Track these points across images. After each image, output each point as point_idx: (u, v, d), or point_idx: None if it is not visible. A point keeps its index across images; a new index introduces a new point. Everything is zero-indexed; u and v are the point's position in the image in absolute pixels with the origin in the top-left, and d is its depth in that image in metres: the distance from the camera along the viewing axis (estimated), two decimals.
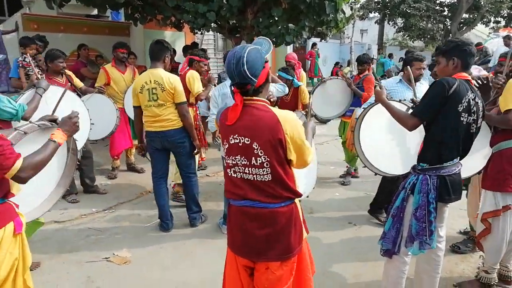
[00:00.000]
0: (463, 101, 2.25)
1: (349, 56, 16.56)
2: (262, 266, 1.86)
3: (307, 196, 2.75)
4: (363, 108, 3.41)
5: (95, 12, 9.42)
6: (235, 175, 1.82)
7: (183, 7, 5.82)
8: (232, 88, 1.77)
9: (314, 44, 14.44)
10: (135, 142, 5.58)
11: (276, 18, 6.24)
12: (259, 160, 1.74)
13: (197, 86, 4.41)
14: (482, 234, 2.81)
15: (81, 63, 6.93)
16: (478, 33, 20.19)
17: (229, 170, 1.85)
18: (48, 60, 4.32)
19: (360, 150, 3.13)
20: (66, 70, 4.53)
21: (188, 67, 4.62)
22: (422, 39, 20.00)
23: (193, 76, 4.40)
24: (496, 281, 2.86)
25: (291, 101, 5.08)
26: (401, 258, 2.47)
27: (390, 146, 3.07)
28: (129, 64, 5.67)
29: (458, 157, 2.39)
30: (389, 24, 20.56)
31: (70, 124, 2.09)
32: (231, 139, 1.79)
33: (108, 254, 3.40)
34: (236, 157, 1.79)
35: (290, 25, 6.49)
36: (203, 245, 3.62)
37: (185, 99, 3.67)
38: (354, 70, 11.47)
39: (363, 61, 5.22)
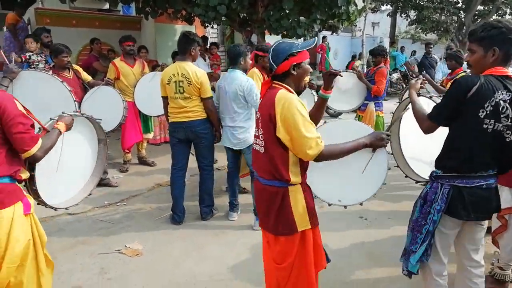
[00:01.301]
0: (486, 106, 1.90)
1: (361, 49, 16.37)
2: (269, 236, 2.11)
3: (345, 207, 2.38)
4: (397, 102, 3.15)
5: (107, 6, 9.48)
6: (254, 147, 2.09)
7: (194, 1, 5.80)
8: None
9: (324, 38, 14.30)
10: (146, 135, 5.64)
11: (287, 11, 6.18)
12: (259, 131, 2.02)
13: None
14: (498, 231, 2.74)
15: (93, 57, 6.99)
16: None
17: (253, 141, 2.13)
18: (53, 56, 4.35)
19: (398, 150, 2.80)
20: (73, 65, 4.54)
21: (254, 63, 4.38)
22: (436, 31, 19.64)
23: (253, 77, 4.03)
24: (511, 278, 2.82)
25: None
26: (429, 278, 2.17)
27: (429, 147, 2.67)
28: (139, 57, 5.69)
29: (489, 170, 2.03)
30: (402, 16, 20.23)
31: (69, 120, 2.34)
32: (256, 114, 2.09)
33: (120, 246, 3.44)
34: (255, 129, 2.08)
35: (301, 18, 6.42)
36: (214, 238, 3.64)
37: (211, 94, 3.75)
38: (365, 63, 11.33)
39: (377, 53, 5.16)
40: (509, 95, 1.92)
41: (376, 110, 5.16)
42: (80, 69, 4.74)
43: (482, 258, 2.22)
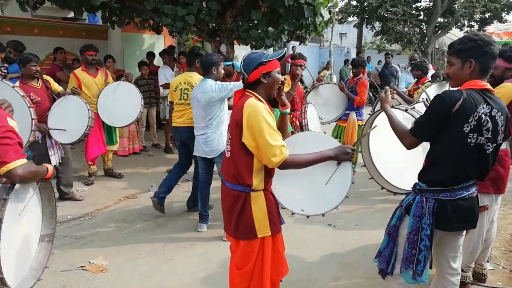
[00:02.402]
0: (470, 120, 1.92)
1: (329, 59, 16.75)
2: (230, 239, 2.20)
3: (307, 217, 2.38)
4: (369, 114, 3.18)
5: (72, 14, 9.23)
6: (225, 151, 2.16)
7: (161, 10, 5.75)
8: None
9: (293, 47, 14.53)
10: (110, 147, 5.47)
11: (256, 22, 6.24)
12: (227, 136, 2.08)
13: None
14: None
15: (57, 67, 6.78)
16: (453, 37, 20.73)
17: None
18: (21, 65, 4.18)
19: (369, 160, 2.84)
20: (44, 75, 4.39)
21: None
22: (399, 42, 20.39)
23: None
24: (471, 280, 2.91)
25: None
26: (395, 280, 2.21)
27: (401, 157, 2.69)
28: (106, 67, 5.56)
29: (470, 180, 2.06)
30: (367, 27, 20.90)
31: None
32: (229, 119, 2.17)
33: (84, 262, 3.31)
34: (227, 134, 2.12)
35: (270, 28, 6.50)
36: (182, 251, 3.56)
37: None
38: (333, 73, 11.59)
39: (357, 64, 5.31)
40: (489, 108, 1.95)
41: (358, 120, 5.29)
42: (50, 79, 4.58)
43: (460, 266, 2.25)
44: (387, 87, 2.78)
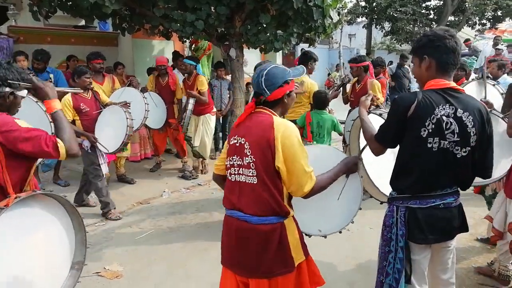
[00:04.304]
0: (427, 124, 1.79)
1: (338, 60, 16.69)
2: (254, 282, 1.83)
3: (325, 237, 2.32)
4: (352, 120, 3.05)
5: (83, 22, 9.37)
6: (230, 177, 1.88)
7: (171, 16, 5.79)
8: (252, 97, 1.92)
9: (302, 50, 14.54)
10: (120, 154, 5.47)
11: (265, 25, 6.24)
12: (246, 160, 1.79)
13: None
14: None
15: (70, 74, 6.86)
16: (464, 35, 20.48)
17: (227, 172, 1.90)
18: (76, 76, 4.25)
19: (362, 168, 2.60)
20: (94, 87, 4.46)
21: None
22: (410, 42, 20.24)
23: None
24: None
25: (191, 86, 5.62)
26: None
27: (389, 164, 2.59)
28: (115, 74, 5.60)
29: (446, 188, 1.91)
30: (377, 28, 20.79)
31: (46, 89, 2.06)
32: (231, 140, 1.88)
33: (99, 268, 3.33)
34: (233, 157, 1.85)
35: (279, 31, 6.49)
36: (196, 256, 3.56)
37: None
38: (343, 74, 11.52)
39: (376, 64, 5.37)
40: (453, 108, 1.80)
41: None
42: (100, 91, 4.65)
43: (452, 276, 2.10)
44: (370, 92, 2.72)
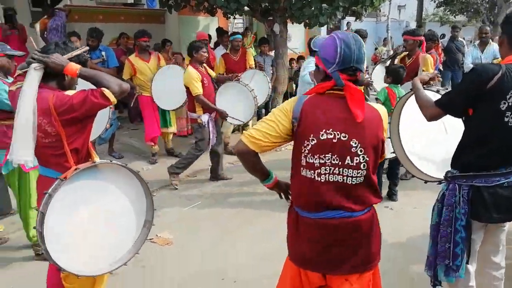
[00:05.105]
0: (508, 97, 1.77)
1: (386, 34, 15.98)
2: (338, 280, 1.70)
3: None
4: (398, 98, 3.03)
5: (132, 0, 9.63)
6: (319, 178, 1.59)
7: None
8: (336, 74, 1.57)
9: (348, 24, 14.03)
10: (166, 130, 5.71)
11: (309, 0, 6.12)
12: (356, 159, 1.57)
13: None
14: None
15: (121, 51, 7.17)
16: None
17: (309, 171, 1.61)
18: (194, 51, 4.49)
19: (399, 145, 2.63)
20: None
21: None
22: (465, 13, 18.87)
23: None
24: None
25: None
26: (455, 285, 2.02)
27: (432, 143, 2.57)
28: (164, 51, 5.75)
29: (510, 166, 1.89)
30: None
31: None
32: (322, 134, 1.56)
33: (151, 235, 3.56)
34: (326, 155, 1.57)
35: (324, 5, 6.34)
36: (241, 229, 3.74)
37: None
38: (391, 50, 11.07)
39: (427, 38, 5.19)
40: None
41: None
42: (207, 67, 4.98)
43: (503, 260, 2.11)
44: (436, 71, 2.61)
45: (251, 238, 3.53)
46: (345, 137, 1.56)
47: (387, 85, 4.04)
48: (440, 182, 2.24)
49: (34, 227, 1.97)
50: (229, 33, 6.86)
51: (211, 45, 7.80)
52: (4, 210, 3.87)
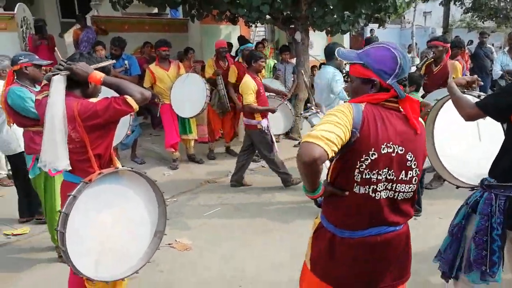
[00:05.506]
0: None
1: (411, 41, 15.71)
2: None
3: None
4: (435, 100, 2.91)
5: (156, 10, 9.87)
6: (374, 195, 1.50)
7: (237, 2, 5.90)
8: (397, 86, 1.51)
9: (372, 30, 13.90)
10: (185, 136, 5.75)
11: (331, 7, 6.10)
12: (410, 173, 1.52)
13: None
14: None
15: (144, 59, 7.34)
16: None
17: (363, 187, 1.50)
18: (253, 60, 4.63)
19: (432, 149, 2.58)
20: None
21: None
22: (494, 19, 18.35)
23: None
24: None
25: None
26: (461, 283, 2.08)
27: (468, 149, 2.53)
28: (187, 59, 5.85)
29: None
30: (456, 4, 19.11)
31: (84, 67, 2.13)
32: (383, 148, 1.46)
33: (170, 240, 3.61)
34: (383, 170, 1.48)
35: (346, 12, 6.31)
36: (260, 236, 3.71)
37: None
38: (416, 57, 10.87)
39: (453, 45, 5.09)
40: None
41: None
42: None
43: None
44: (475, 76, 2.56)
45: (268, 246, 3.50)
46: (402, 150, 1.49)
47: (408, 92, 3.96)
48: (472, 188, 2.22)
49: (55, 229, 2.01)
50: (250, 42, 6.89)
51: (233, 53, 7.89)
52: (31, 214, 4.00)
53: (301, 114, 4.30)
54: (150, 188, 2.28)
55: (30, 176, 3.25)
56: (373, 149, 1.46)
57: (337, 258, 1.61)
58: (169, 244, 3.56)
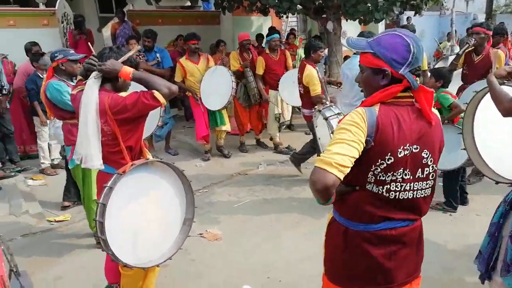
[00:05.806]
0: None
1: (450, 28, 14.98)
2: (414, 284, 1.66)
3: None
4: (474, 91, 2.80)
5: (188, 3, 10.00)
6: (388, 194, 1.47)
7: None
8: (410, 76, 1.43)
9: (408, 18, 13.38)
10: (219, 128, 5.77)
11: None
12: (427, 171, 1.49)
13: None
14: None
15: (177, 52, 7.48)
16: None
17: (376, 187, 1.47)
18: (312, 50, 4.66)
19: (472, 143, 2.54)
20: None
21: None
22: None
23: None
24: None
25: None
26: (495, 285, 2.00)
27: (508, 142, 2.48)
28: (219, 51, 5.88)
29: None
30: None
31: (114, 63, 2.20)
32: (400, 152, 1.42)
33: (201, 230, 3.70)
34: (399, 171, 1.45)
35: (380, 0, 6.10)
36: (289, 229, 3.73)
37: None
38: (455, 45, 10.38)
39: (495, 32, 4.83)
40: None
41: None
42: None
43: None
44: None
45: (297, 238, 3.51)
46: (416, 149, 1.45)
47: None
48: (511, 184, 2.17)
49: (94, 219, 2.12)
50: (281, 33, 6.84)
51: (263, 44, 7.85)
52: (72, 200, 4.21)
53: (315, 108, 4.17)
54: (178, 178, 2.36)
55: (69, 167, 3.42)
56: (389, 154, 1.42)
57: (350, 253, 1.58)
58: (200, 234, 3.64)
